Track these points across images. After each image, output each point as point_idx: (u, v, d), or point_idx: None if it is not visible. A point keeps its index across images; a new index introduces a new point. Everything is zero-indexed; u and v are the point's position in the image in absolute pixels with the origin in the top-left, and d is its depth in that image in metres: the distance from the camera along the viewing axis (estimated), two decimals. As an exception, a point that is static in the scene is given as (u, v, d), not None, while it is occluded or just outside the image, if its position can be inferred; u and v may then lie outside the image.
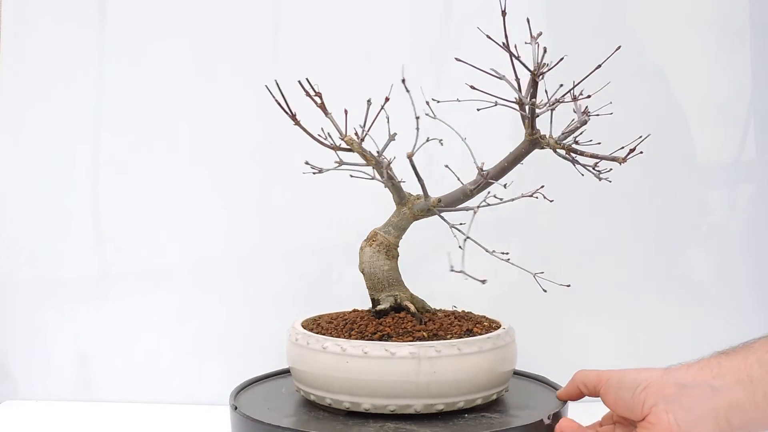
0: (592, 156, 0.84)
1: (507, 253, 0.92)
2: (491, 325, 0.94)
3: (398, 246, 0.95)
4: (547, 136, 0.85)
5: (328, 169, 0.89)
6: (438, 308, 1.00)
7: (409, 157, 0.87)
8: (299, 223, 1.23)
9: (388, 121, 0.90)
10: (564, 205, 1.23)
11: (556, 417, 0.87)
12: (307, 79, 0.83)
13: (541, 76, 0.81)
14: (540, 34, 0.79)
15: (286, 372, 1.05)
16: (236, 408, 0.89)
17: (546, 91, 0.84)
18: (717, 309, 1.21)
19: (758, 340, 0.76)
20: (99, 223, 1.25)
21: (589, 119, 0.81)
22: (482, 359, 0.85)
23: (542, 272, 0.88)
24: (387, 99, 0.82)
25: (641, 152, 0.87)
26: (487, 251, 0.89)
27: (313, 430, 0.83)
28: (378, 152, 0.88)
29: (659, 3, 1.21)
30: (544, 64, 0.81)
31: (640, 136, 0.91)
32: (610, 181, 0.85)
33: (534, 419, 0.85)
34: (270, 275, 1.23)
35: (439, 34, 1.24)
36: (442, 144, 0.90)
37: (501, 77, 0.81)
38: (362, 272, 0.93)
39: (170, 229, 1.25)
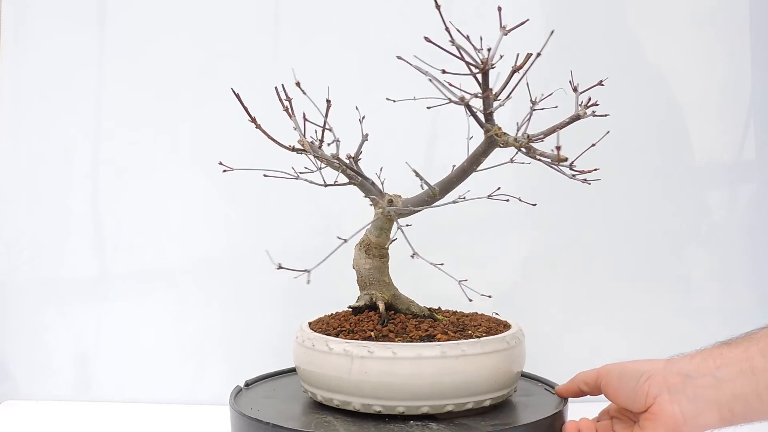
0: (542, 155, 0.82)
1: (441, 264, 0.92)
2: (491, 329, 0.91)
3: (384, 245, 0.94)
4: (504, 134, 0.81)
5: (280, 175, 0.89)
6: (439, 309, 0.99)
7: (352, 157, 0.87)
8: (299, 222, 1.23)
9: (361, 123, 0.91)
10: (564, 205, 1.23)
11: (557, 417, 0.87)
12: (282, 85, 0.83)
13: (492, 68, 0.77)
14: (527, 20, 0.76)
15: (286, 372, 1.05)
16: (247, 385, 0.90)
17: (504, 87, 0.81)
18: (717, 309, 1.21)
19: (760, 330, 0.76)
20: (99, 223, 1.25)
21: (585, 115, 0.79)
22: (451, 364, 0.83)
23: (466, 280, 0.89)
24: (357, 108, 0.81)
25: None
26: (414, 255, 0.89)
27: (315, 431, 0.84)
28: (334, 155, 0.88)
29: (659, 3, 1.21)
30: (501, 56, 0.78)
31: (593, 144, 0.91)
32: (589, 183, 0.84)
33: (533, 419, 0.86)
34: (270, 275, 1.23)
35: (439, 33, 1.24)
36: (367, 139, 0.89)
37: (443, 71, 0.79)
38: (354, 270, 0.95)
39: (170, 229, 1.25)
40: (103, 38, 1.24)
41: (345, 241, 0.86)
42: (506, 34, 0.76)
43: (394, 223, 0.93)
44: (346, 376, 0.84)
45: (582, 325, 1.22)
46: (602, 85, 0.75)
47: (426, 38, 0.75)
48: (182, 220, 1.24)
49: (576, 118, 0.80)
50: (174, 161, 1.24)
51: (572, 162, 0.82)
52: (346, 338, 0.87)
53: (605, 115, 0.81)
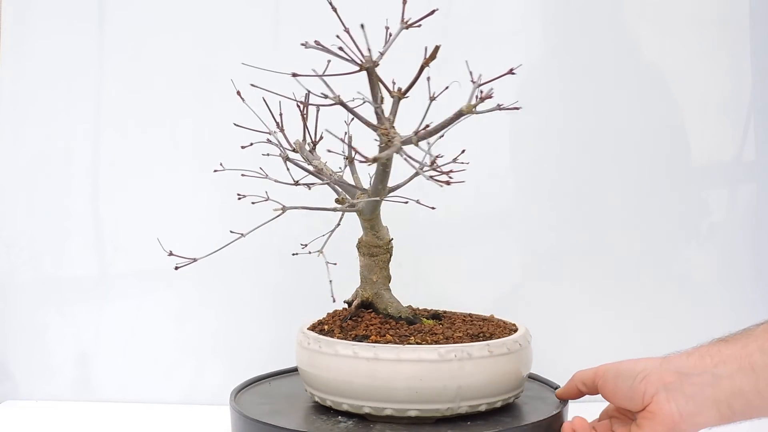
0: (409, 158, 0.80)
1: (335, 263, 0.94)
2: (479, 336, 0.89)
3: (372, 244, 0.94)
4: (386, 134, 0.78)
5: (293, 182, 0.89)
6: (443, 312, 0.99)
7: (284, 158, 0.87)
8: (299, 222, 1.23)
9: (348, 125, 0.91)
10: (564, 205, 1.23)
11: (555, 418, 0.87)
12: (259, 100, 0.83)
13: (376, 65, 0.75)
14: (435, 10, 0.73)
15: (285, 372, 1.05)
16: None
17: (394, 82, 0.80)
18: (717, 309, 1.21)
19: (758, 326, 0.75)
20: (99, 223, 1.25)
21: (474, 111, 0.74)
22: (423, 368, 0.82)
23: (336, 263, 0.90)
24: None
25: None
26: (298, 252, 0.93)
27: (314, 431, 0.84)
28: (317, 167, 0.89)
29: (659, 2, 1.21)
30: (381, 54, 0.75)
31: (463, 150, 0.91)
32: (449, 185, 0.81)
33: (534, 420, 0.86)
34: (270, 275, 1.23)
35: (439, 33, 1.24)
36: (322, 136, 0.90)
37: (320, 75, 0.78)
38: None
39: (170, 229, 1.25)
40: (103, 38, 1.24)
41: (242, 235, 0.89)
42: (407, 28, 0.74)
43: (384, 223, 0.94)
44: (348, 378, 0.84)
45: (582, 325, 1.22)
46: (513, 73, 0.72)
47: (303, 43, 0.75)
48: (182, 220, 1.24)
49: (459, 114, 0.76)
50: (174, 161, 1.24)
51: (434, 160, 0.80)
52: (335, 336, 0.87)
53: (516, 108, 0.78)
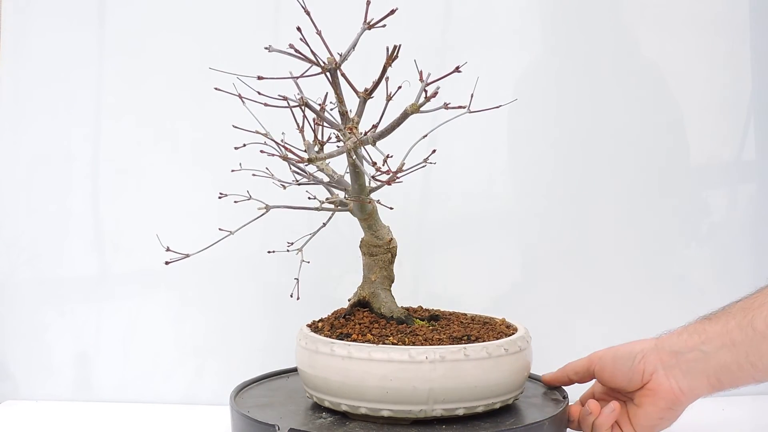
0: (354, 163, 0.81)
1: (308, 262, 0.96)
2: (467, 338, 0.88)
3: (371, 243, 0.94)
4: (346, 134, 0.79)
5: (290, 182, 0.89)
6: (438, 312, 0.99)
7: (283, 158, 0.88)
8: (299, 222, 1.23)
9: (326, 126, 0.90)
10: (564, 204, 1.23)
11: (555, 420, 0.87)
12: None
13: (338, 67, 0.76)
14: (395, 9, 0.74)
15: (285, 372, 1.05)
16: None
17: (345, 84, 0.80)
18: (717, 309, 1.21)
19: (735, 304, 0.85)
20: (99, 223, 1.25)
21: (417, 110, 0.74)
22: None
23: (309, 261, 0.93)
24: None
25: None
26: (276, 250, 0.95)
27: (314, 430, 0.84)
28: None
29: (659, 2, 1.21)
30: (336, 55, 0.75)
31: (434, 150, 0.92)
32: (390, 184, 0.81)
33: (533, 420, 0.85)
34: (270, 275, 1.23)
35: (439, 34, 1.24)
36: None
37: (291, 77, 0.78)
38: None
39: (170, 229, 1.24)
40: (103, 38, 1.24)
41: (231, 233, 0.92)
42: (369, 29, 0.74)
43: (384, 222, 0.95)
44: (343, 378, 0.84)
45: (581, 325, 1.22)
46: (459, 71, 0.72)
47: (267, 47, 0.76)
48: (182, 220, 1.24)
49: (405, 115, 0.76)
50: (174, 160, 1.24)
51: (385, 159, 0.80)
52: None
53: (462, 107, 0.78)
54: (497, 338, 0.87)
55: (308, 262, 0.96)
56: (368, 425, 0.84)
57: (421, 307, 1.00)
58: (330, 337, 0.87)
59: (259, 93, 0.85)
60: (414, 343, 0.84)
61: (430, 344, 0.84)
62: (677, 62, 1.22)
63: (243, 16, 1.22)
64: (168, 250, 0.87)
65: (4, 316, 1.25)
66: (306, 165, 0.76)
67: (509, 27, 1.23)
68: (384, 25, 0.73)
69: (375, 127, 0.78)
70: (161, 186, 1.24)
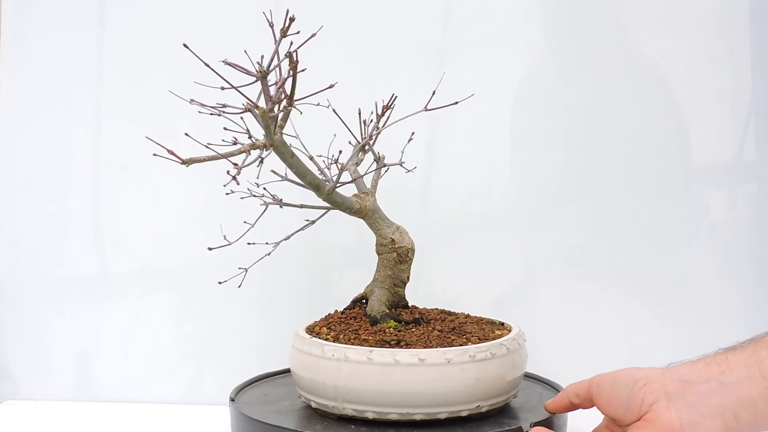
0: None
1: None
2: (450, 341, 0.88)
3: (380, 243, 0.96)
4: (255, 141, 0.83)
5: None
6: (422, 312, 0.99)
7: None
8: (300, 222, 1.23)
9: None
10: (564, 204, 1.23)
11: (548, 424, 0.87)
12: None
13: (266, 75, 0.78)
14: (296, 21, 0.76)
15: (286, 372, 1.05)
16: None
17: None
18: (718, 309, 1.21)
19: (767, 334, 0.72)
20: (99, 223, 1.25)
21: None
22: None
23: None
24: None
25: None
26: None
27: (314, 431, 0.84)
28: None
29: (659, 2, 1.21)
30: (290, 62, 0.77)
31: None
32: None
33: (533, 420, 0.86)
34: (270, 275, 1.23)
35: (439, 34, 1.24)
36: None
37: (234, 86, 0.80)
38: None
39: (170, 229, 1.25)
40: (104, 37, 1.24)
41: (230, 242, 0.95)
42: (285, 36, 0.76)
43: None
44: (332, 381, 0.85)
45: (582, 325, 1.22)
46: (304, 70, 0.76)
47: (206, 63, 0.81)
48: (182, 220, 1.24)
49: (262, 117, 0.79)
50: (174, 160, 1.24)
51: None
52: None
53: (293, 106, 0.79)
54: (457, 345, 0.86)
55: (269, 255, 0.98)
56: (328, 422, 0.87)
57: (415, 308, 1.00)
58: (310, 333, 0.91)
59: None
60: (352, 342, 0.86)
61: (368, 345, 0.85)
62: (677, 62, 1.22)
63: (243, 16, 1.22)
64: (210, 249, 0.94)
65: (4, 316, 1.25)
66: (187, 166, 0.80)
67: (509, 27, 1.23)
68: (298, 32, 0.76)
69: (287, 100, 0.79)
70: (161, 186, 1.24)
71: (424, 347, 0.84)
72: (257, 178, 0.89)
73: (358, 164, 0.98)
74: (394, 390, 0.82)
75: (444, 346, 0.85)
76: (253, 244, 0.97)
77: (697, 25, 1.21)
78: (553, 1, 1.23)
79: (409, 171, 1.01)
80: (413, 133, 1.00)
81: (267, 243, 0.98)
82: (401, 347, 0.84)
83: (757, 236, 1.22)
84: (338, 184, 0.89)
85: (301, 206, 0.95)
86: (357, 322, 0.93)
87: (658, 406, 0.71)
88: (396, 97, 0.94)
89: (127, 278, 1.25)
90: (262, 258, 0.98)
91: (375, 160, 1.00)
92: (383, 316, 0.93)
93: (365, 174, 0.97)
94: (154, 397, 1.23)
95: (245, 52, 0.79)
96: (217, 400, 1.16)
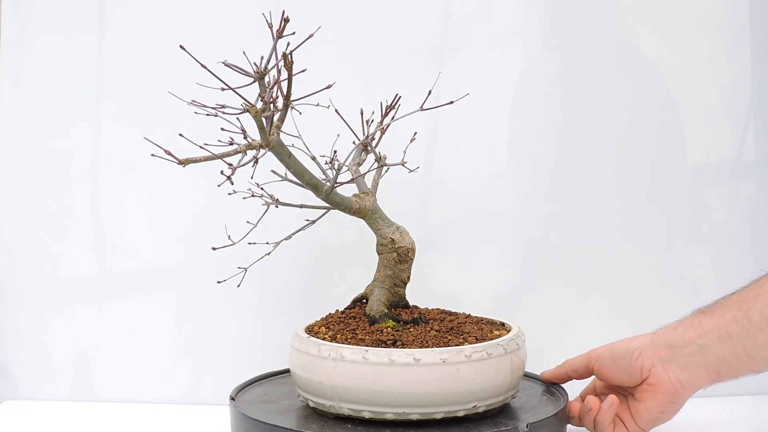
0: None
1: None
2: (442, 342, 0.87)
3: (380, 243, 0.96)
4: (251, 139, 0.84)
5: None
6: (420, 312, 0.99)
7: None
8: (299, 222, 1.23)
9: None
10: (564, 204, 1.23)
11: (554, 420, 0.87)
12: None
13: (263, 75, 0.79)
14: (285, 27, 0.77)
15: (286, 371, 1.05)
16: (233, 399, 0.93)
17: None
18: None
19: (730, 297, 0.86)
20: (99, 223, 1.25)
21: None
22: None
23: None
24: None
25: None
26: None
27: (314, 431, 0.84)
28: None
29: (659, 2, 1.21)
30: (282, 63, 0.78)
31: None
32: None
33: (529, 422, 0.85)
34: (270, 275, 1.23)
35: (439, 34, 1.24)
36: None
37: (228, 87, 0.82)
38: None
39: (170, 229, 1.25)
40: (104, 37, 1.24)
41: (233, 242, 0.95)
42: (281, 37, 0.77)
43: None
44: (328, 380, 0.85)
45: (581, 325, 1.22)
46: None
47: (202, 65, 0.82)
48: (182, 220, 1.24)
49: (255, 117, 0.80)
50: (175, 160, 1.24)
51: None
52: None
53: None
54: (454, 345, 0.85)
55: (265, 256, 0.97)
56: (328, 422, 0.87)
57: (416, 307, 1.00)
58: (309, 332, 0.91)
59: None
60: (348, 341, 0.86)
61: (364, 345, 0.85)
62: (677, 62, 1.22)
63: (244, 15, 1.22)
64: (214, 249, 0.95)
65: (4, 316, 1.25)
66: (184, 166, 0.81)
67: (509, 27, 1.23)
68: (293, 33, 0.77)
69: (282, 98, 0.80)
70: (162, 186, 1.24)
71: (420, 347, 0.84)
72: (251, 178, 0.89)
73: (359, 164, 0.98)
74: (389, 389, 0.82)
75: (440, 346, 0.84)
76: (254, 243, 0.97)
77: (696, 25, 1.21)
78: (553, 2, 1.23)
79: (411, 171, 1.01)
80: (416, 134, 1.01)
81: (267, 243, 0.98)
82: (397, 347, 0.84)
83: (756, 236, 1.22)
84: (336, 184, 0.89)
85: (301, 206, 0.95)
86: (356, 322, 0.93)
87: (656, 370, 0.86)
88: (400, 97, 0.94)
89: (127, 278, 1.25)
90: (262, 258, 0.98)
91: (376, 159, 1.00)
92: (382, 316, 0.93)
93: (365, 174, 0.97)
94: (154, 397, 1.23)
95: (244, 53, 0.79)
96: (217, 400, 1.16)
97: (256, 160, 0.84)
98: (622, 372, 0.88)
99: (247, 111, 0.79)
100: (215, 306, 1.24)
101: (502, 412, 0.90)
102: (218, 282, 0.98)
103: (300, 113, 0.85)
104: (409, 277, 0.97)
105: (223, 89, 0.81)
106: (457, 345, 0.85)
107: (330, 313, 0.99)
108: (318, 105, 0.82)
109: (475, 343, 0.86)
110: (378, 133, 0.96)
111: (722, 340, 0.83)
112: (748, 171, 1.23)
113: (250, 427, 0.86)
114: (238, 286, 0.98)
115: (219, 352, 1.24)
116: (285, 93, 0.79)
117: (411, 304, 1.00)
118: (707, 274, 1.23)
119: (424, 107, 0.89)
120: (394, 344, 0.85)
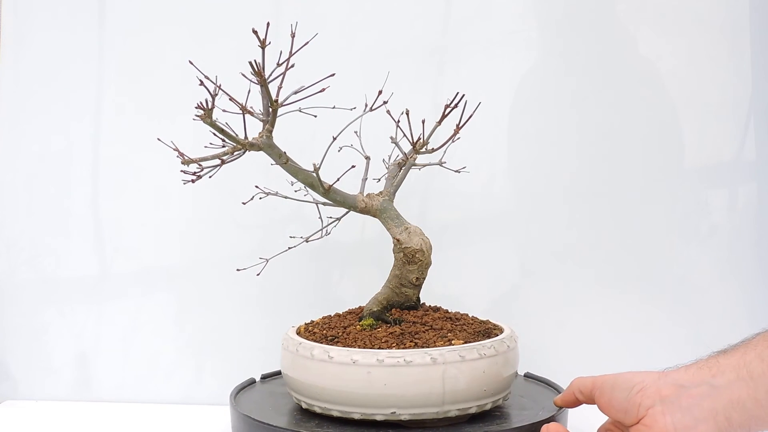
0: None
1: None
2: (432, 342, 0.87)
3: (394, 248, 0.95)
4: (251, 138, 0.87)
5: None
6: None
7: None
8: (300, 222, 1.23)
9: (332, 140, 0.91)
10: (564, 205, 1.23)
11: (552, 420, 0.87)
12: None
13: (269, 82, 0.81)
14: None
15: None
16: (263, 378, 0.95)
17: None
18: (718, 309, 1.21)
19: (756, 336, 0.74)
20: (99, 223, 1.25)
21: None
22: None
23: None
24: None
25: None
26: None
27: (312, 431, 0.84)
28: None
29: (658, 3, 1.21)
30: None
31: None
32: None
33: (524, 423, 0.85)
34: (271, 275, 1.23)
35: (440, 34, 1.24)
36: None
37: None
38: None
39: (170, 229, 1.25)
40: (103, 36, 1.24)
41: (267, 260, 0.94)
42: (263, 47, 0.81)
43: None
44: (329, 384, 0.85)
45: (581, 325, 1.22)
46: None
47: (206, 76, 0.84)
48: (182, 220, 1.24)
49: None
50: (175, 160, 1.24)
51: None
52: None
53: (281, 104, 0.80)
54: (441, 345, 0.85)
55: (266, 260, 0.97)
56: (326, 421, 0.87)
57: (428, 306, 1.00)
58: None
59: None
60: (326, 340, 0.88)
61: (326, 343, 0.87)
62: (677, 62, 1.22)
63: (244, 14, 1.22)
64: (238, 270, 0.97)
65: (4, 316, 1.25)
66: (188, 164, 0.83)
67: (509, 27, 1.23)
68: (269, 43, 0.79)
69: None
70: (162, 186, 1.24)
71: (362, 348, 0.84)
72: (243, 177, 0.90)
73: (402, 165, 0.97)
74: (377, 391, 0.81)
75: (431, 346, 0.84)
76: (293, 244, 0.98)
77: (696, 26, 1.21)
78: (553, 2, 1.23)
79: (457, 171, 1.02)
80: (456, 131, 0.99)
81: (291, 237, 0.98)
82: (335, 344, 0.86)
83: (757, 236, 1.22)
84: (332, 184, 0.89)
85: (315, 202, 0.95)
86: (346, 319, 0.94)
87: (654, 411, 0.73)
88: (464, 96, 0.91)
89: (127, 278, 1.25)
90: (283, 252, 0.98)
91: (405, 158, 0.98)
92: (367, 315, 0.93)
93: (343, 175, 0.94)
94: (154, 397, 1.23)
95: (250, 62, 0.79)
96: (217, 400, 1.17)
97: (237, 157, 0.86)
98: (619, 405, 0.77)
99: (246, 111, 0.80)
100: (215, 306, 1.24)
101: (495, 412, 0.89)
102: (237, 270, 1.00)
103: (300, 110, 0.85)
104: (418, 279, 0.95)
105: (223, 91, 0.82)
106: (446, 345, 0.85)
107: (330, 315, 0.98)
108: (300, 110, 0.84)
109: (465, 343, 0.85)
110: (426, 134, 0.94)
111: (741, 380, 0.70)
112: (748, 171, 1.23)
113: (250, 427, 0.86)
114: (258, 275, 0.97)
115: (219, 352, 1.24)
116: (274, 98, 0.81)
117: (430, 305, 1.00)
118: (707, 275, 1.23)
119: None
120: (332, 341, 0.87)
